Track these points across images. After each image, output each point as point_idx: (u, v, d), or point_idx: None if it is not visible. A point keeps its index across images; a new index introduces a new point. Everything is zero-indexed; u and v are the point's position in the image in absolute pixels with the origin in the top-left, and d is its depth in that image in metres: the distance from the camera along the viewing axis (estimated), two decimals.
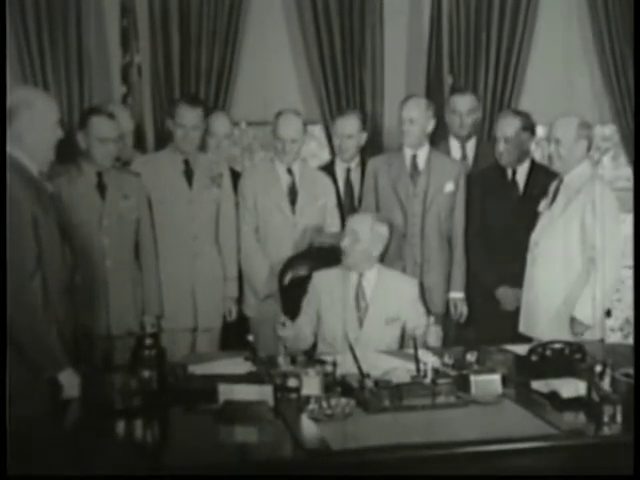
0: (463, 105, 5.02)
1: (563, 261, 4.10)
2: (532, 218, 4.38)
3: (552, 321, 4.16)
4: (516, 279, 4.46)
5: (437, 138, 5.11)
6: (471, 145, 5.12)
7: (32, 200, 3.10)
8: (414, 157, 4.77)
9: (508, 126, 4.64)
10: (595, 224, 4.03)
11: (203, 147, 4.82)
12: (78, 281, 3.41)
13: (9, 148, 3.13)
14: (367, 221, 4.03)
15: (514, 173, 4.70)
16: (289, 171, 4.72)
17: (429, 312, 4.01)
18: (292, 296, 4.13)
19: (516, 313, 4.44)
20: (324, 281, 4.02)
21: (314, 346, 3.96)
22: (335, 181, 4.92)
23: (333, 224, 4.75)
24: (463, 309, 4.79)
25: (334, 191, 4.85)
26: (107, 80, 5.36)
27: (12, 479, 2.43)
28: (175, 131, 4.57)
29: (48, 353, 3.08)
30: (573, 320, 4.07)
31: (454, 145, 5.10)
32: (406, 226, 4.71)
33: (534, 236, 4.25)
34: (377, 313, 3.94)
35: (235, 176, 4.81)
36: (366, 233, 3.95)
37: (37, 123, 3.21)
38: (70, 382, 3.07)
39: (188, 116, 4.54)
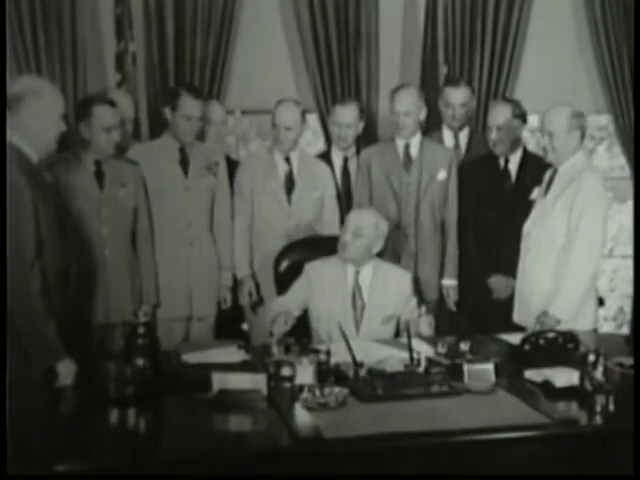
0: (456, 98, 5.02)
1: (555, 252, 4.09)
2: (525, 207, 4.38)
3: None
4: (509, 268, 4.47)
5: (430, 127, 5.12)
6: (464, 135, 5.12)
7: (33, 189, 3.10)
8: (407, 146, 4.78)
9: (500, 114, 4.67)
10: (578, 215, 4.02)
11: (200, 136, 4.83)
12: (74, 270, 3.41)
13: (11, 136, 3.12)
14: (372, 217, 4.01)
15: (507, 162, 4.72)
16: (287, 160, 4.73)
17: (422, 301, 4.01)
18: (287, 283, 4.10)
19: (509, 302, 4.45)
20: (318, 275, 3.98)
21: (308, 336, 3.95)
22: (332, 170, 4.92)
23: (331, 215, 4.76)
24: (455, 296, 4.80)
25: (333, 182, 4.86)
26: (101, 68, 5.34)
27: (12, 479, 2.43)
28: (179, 122, 4.52)
29: (47, 343, 3.08)
30: (545, 313, 4.01)
31: (447, 134, 5.11)
32: (401, 216, 4.71)
33: (527, 226, 4.25)
34: (374, 314, 3.93)
35: (231, 165, 4.82)
36: (370, 229, 3.94)
37: (43, 113, 3.21)
38: (66, 371, 3.08)
39: (193, 107, 4.52)
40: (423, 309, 3.80)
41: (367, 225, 3.94)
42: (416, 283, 4.14)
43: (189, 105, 4.51)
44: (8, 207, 2.96)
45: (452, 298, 4.80)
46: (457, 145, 5.09)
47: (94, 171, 4.19)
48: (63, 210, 3.52)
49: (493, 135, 4.66)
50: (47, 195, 3.22)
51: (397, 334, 3.93)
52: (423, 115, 4.80)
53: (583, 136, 4.14)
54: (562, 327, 3.82)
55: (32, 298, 3.05)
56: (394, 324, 3.95)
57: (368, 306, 3.94)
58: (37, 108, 3.18)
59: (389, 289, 3.97)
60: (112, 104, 4.17)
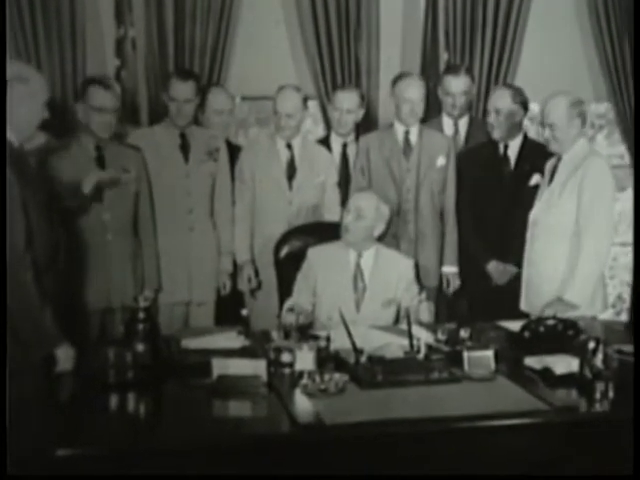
0: (457, 87, 5.01)
1: (566, 238, 4.08)
2: (524, 193, 4.40)
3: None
4: (507, 254, 4.49)
5: (430, 114, 5.11)
6: (464, 122, 5.12)
7: (18, 174, 3.08)
8: (407, 133, 4.77)
9: (499, 99, 4.67)
10: (588, 200, 4.02)
11: (203, 122, 4.84)
12: (62, 256, 3.39)
13: None
14: (373, 199, 4.02)
15: (506, 148, 4.71)
16: (289, 146, 4.73)
17: (422, 288, 4.01)
18: (288, 270, 4.12)
19: (507, 288, 4.47)
20: (320, 258, 4.00)
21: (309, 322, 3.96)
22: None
23: (332, 202, 4.76)
24: (455, 283, 4.81)
25: (335, 168, 4.86)
26: (101, 53, 5.31)
27: (12, 479, 2.43)
28: (169, 105, 4.59)
29: (43, 331, 3.08)
30: (559, 300, 3.99)
31: (446, 122, 5.10)
32: (400, 202, 4.71)
33: (533, 214, 4.23)
34: (374, 296, 3.94)
35: (232, 149, 4.82)
36: (371, 211, 3.95)
37: (27, 99, 3.19)
38: (65, 356, 3.07)
39: (180, 90, 4.56)
40: (423, 295, 3.81)
41: (368, 207, 3.95)
42: (416, 269, 4.14)
43: (175, 87, 4.57)
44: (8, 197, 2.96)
45: (452, 285, 4.81)
46: (457, 132, 5.08)
47: (95, 156, 4.19)
48: (51, 196, 3.51)
49: (491, 119, 4.67)
50: (32, 181, 3.21)
51: (397, 320, 3.93)
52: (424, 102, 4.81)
53: (584, 122, 4.12)
54: (576, 313, 3.84)
55: (26, 286, 3.04)
56: (395, 309, 3.95)
57: (369, 289, 3.95)
58: (22, 94, 3.17)
59: (391, 273, 3.97)
60: (107, 86, 4.17)
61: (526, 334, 3.44)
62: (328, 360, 3.12)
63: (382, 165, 4.74)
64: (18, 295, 3.01)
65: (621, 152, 6.25)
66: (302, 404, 2.76)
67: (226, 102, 4.95)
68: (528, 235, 4.26)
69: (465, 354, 3.09)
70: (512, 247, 4.38)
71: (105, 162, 4.20)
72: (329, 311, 3.82)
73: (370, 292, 3.95)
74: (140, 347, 2.96)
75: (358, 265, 3.97)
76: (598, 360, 2.90)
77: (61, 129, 4.41)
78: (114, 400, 2.85)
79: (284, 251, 4.30)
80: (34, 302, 3.06)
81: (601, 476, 2.72)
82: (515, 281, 4.40)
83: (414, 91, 4.71)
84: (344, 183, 4.85)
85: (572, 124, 4.06)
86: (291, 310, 3.66)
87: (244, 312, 3.64)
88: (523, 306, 4.26)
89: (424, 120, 4.92)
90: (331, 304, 3.82)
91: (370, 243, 3.99)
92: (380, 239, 4.06)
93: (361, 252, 3.98)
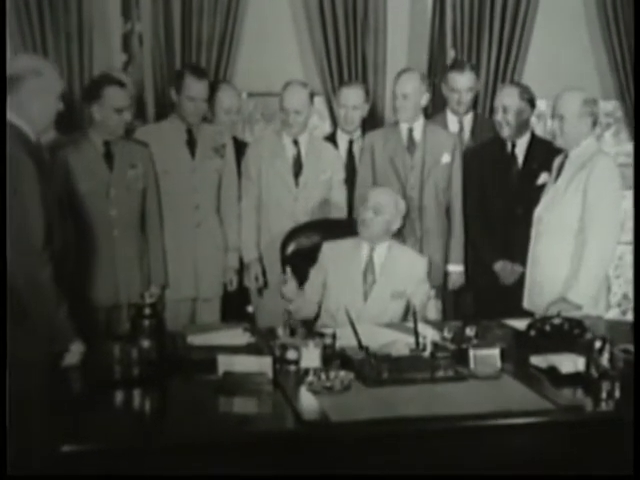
0: (462, 83, 4.98)
1: (570, 236, 4.07)
2: (531, 192, 4.38)
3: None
4: (514, 253, 4.47)
5: (435, 110, 5.10)
6: (468, 119, 5.10)
7: (36, 169, 3.09)
8: (410, 130, 4.77)
9: (507, 96, 4.64)
10: (593, 198, 4.01)
11: (211, 120, 4.84)
12: (74, 252, 3.39)
13: (10, 115, 3.11)
14: (392, 195, 4.08)
15: (513, 146, 4.70)
16: (295, 143, 4.72)
17: (431, 286, 4.02)
18: (294, 266, 4.10)
19: (514, 287, 4.45)
20: (333, 252, 4.03)
21: (315, 317, 3.96)
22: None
23: (339, 199, 4.76)
24: (459, 281, 4.81)
25: (342, 165, 4.86)
26: (108, 48, 5.31)
27: (12, 479, 2.43)
28: (183, 103, 4.56)
29: (59, 328, 3.09)
30: (563, 299, 3.98)
31: (451, 119, 5.08)
32: (405, 199, 4.69)
33: (538, 211, 4.22)
34: (383, 288, 3.95)
35: (238, 145, 4.82)
36: (390, 206, 3.99)
37: (42, 92, 3.20)
38: (75, 351, 3.08)
39: (197, 88, 4.55)
40: (432, 293, 3.81)
41: (387, 203, 4.00)
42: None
43: (192, 86, 4.54)
44: (8, 189, 2.95)
45: (454, 284, 4.80)
46: (462, 129, 5.07)
47: (103, 152, 4.21)
48: (65, 190, 3.50)
49: (499, 117, 4.64)
50: (48, 175, 3.21)
51: (406, 316, 3.93)
52: (425, 100, 4.78)
53: (595, 123, 4.11)
54: (580, 313, 3.83)
55: (44, 283, 3.05)
56: (404, 303, 3.96)
57: (379, 281, 3.97)
58: (37, 87, 3.18)
59: (402, 268, 3.99)
60: (122, 84, 4.17)
61: (532, 333, 3.44)
62: (334, 358, 3.11)
63: (386, 162, 4.74)
64: (35, 291, 3.02)
65: (628, 150, 6.23)
66: (307, 401, 2.76)
67: (234, 101, 4.94)
68: (532, 233, 4.25)
69: (471, 352, 3.09)
70: (519, 246, 4.36)
71: (113, 158, 4.21)
72: (338, 302, 3.85)
73: (379, 284, 3.97)
74: (146, 343, 2.96)
75: (371, 257, 4.00)
76: (604, 359, 2.89)
77: (69, 125, 4.41)
78: (120, 396, 2.86)
79: (290, 248, 4.30)
80: (51, 298, 3.06)
81: (601, 476, 2.72)
82: (522, 279, 4.38)
83: (403, 85, 4.70)
84: (350, 180, 4.84)
85: (582, 121, 4.05)
86: (285, 282, 3.74)
87: (250, 309, 3.64)
88: (526, 304, 4.26)
89: (428, 116, 4.91)
90: (340, 295, 3.88)
91: (385, 238, 4.03)
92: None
93: (374, 246, 4.01)
